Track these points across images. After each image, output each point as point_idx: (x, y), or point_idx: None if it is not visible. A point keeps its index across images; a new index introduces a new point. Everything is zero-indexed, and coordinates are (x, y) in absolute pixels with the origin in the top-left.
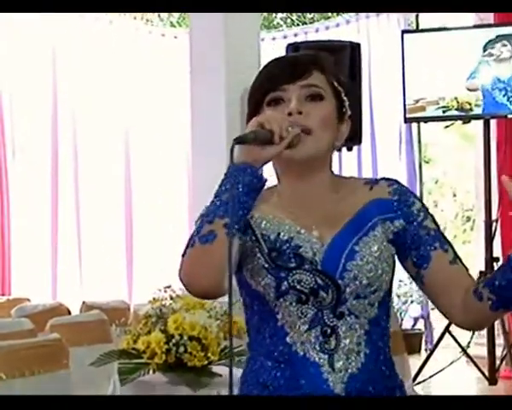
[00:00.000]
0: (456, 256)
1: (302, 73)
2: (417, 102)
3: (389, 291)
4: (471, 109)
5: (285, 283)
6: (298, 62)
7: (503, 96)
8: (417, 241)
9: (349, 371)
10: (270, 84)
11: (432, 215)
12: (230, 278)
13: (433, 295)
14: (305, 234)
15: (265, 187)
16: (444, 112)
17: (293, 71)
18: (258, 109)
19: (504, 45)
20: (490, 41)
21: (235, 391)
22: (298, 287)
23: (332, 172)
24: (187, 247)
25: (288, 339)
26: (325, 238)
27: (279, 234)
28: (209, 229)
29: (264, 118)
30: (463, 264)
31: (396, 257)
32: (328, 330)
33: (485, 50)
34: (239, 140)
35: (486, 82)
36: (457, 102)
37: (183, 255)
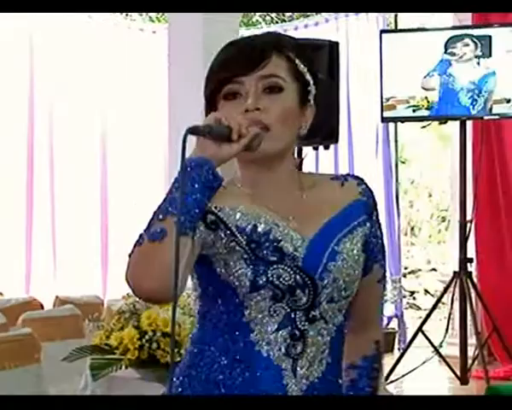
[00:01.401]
0: (384, 276)
1: (259, 61)
2: (388, 100)
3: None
4: (433, 107)
5: (263, 276)
6: (255, 48)
7: (469, 98)
8: (370, 250)
9: (310, 379)
10: (225, 75)
11: (380, 223)
12: (176, 278)
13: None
14: (283, 226)
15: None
16: (414, 111)
17: (249, 58)
18: (215, 102)
19: (466, 45)
20: (450, 39)
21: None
22: (276, 282)
23: (296, 167)
24: (135, 245)
25: (252, 337)
26: (305, 232)
27: (255, 226)
28: (159, 226)
29: (222, 114)
30: (385, 283)
31: None
32: (297, 334)
33: (446, 49)
34: (193, 130)
35: (448, 81)
36: (428, 102)
37: (129, 255)
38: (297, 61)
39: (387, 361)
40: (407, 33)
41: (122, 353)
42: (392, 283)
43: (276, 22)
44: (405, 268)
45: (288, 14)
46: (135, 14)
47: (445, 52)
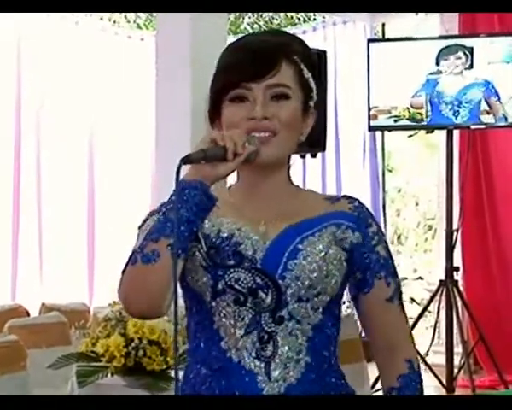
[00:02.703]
0: (395, 296)
1: (269, 69)
2: (370, 110)
3: (337, 297)
4: (422, 120)
5: (222, 281)
6: (265, 54)
7: (449, 109)
8: (365, 263)
9: (287, 380)
10: (234, 79)
11: (386, 243)
12: (176, 298)
13: (362, 325)
14: (247, 231)
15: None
16: (395, 121)
17: (259, 65)
18: (220, 104)
19: (459, 58)
20: (442, 51)
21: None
22: (235, 286)
23: (290, 178)
24: (127, 264)
25: (222, 344)
26: (270, 235)
27: (219, 232)
28: (153, 248)
29: (218, 134)
30: (401, 304)
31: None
32: (266, 336)
33: (438, 62)
34: (186, 160)
35: (433, 94)
36: (409, 113)
37: (123, 271)
38: (302, 67)
39: (373, 370)
40: (395, 42)
41: (108, 360)
42: None
43: (265, 30)
44: None
45: (276, 22)
46: (122, 22)
47: (437, 65)
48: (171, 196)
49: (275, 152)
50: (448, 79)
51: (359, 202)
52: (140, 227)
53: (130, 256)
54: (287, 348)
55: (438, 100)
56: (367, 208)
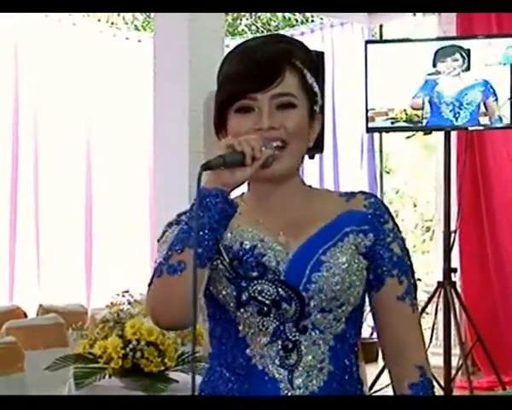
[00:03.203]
0: (408, 295)
1: (274, 79)
2: (368, 111)
3: (360, 306)
4: (419, 122)
5: (245, 293)
6: (269, 63)
7: (450, 111)
8: (378, 261)
9: (309, 388)
10: (238, 90)
11: (402, 240)
12: (195, 308)
13: (375, 324)
14: (270, 241)
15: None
16: (392, 123)
17: (263, 75)
18: (226, 114)
19: (456, 60)
20: (439, 52)
21: None
22: (259, 298)
23: (302, 180)
24: (153, 276)
25: (247, 351)
26: (292, 245)
27: (242, 243)
28: (178, 259)
29: (234, 140)
30: (415, 304)
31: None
32: (290, 345)
33: (434, 64)
34: (206, 166)
35: (433, 95)
36: (406, 115)
37: (149, 285)
38: (305, 72)
39: (372, 371)
40: (392, 44)
41: (106, 362)
42: None
43: (262, 32)
44: None
45: (273, 23)
46: (120, 23)
47: (434, 67)
48: (192, 204)
49: (286, 165)
50: (447, 81)
51: (376, 197)
52: (159, 240)
53: (156, 269)
54: (310, 356)
55: (438, 101)
56: (384, 204)
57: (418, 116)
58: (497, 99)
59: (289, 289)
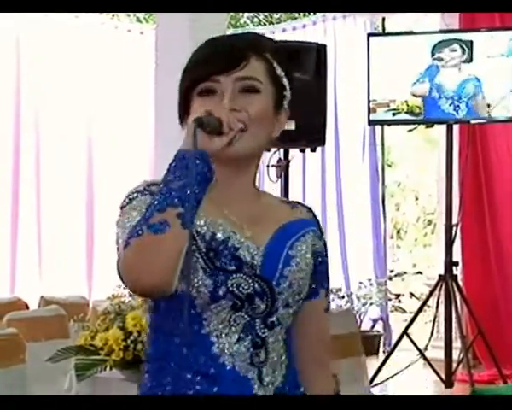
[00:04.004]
0: (329, 307)
1: (238, 63)
2: (370, 103)
3: None
4: (420, 113)
5: (223, 287)
6: (234, 48)
7: (450, 104)
8: (318, 271)
9: (275, 384)
10: (202, 73)
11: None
12: (189, 275)
13: (298, 330)
14: (240, 235)
15: None
16: (394, 115)
17: (228, 59)
18: (189, 98)
19: (454, 50)
20: (438, 44)
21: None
22: (236, 292)
23: (255, 180)
24: (129, 237)
25: (214, 350)
26: (259, 240)
27: (214, 234)
28: (160, 218)
29: (213, 106)
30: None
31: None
32: (259, 342)
33: (433, 54)
34: (200, 122)
35: (433, 86)
36: (407, 106)
37: (124, 247)
38: (275, 65)
39: (372, 364)
40: (394, 37)
41: (107, 353)
42: (378, 285)
43: (264, 24)
44: (391, 271)
45: (275, 16)
46: (122, 15)
47: (432, 57)
48: (172, 164)
49: (248, 146)
50: (446, 72)
51: (313, 211)
52: (123, 207)
53: (132, 230)
54: (275, 353)
55: (439, 94)
56: (317, 219)
57: (419, 108)
58: (484, 97)
59: (264, 284)
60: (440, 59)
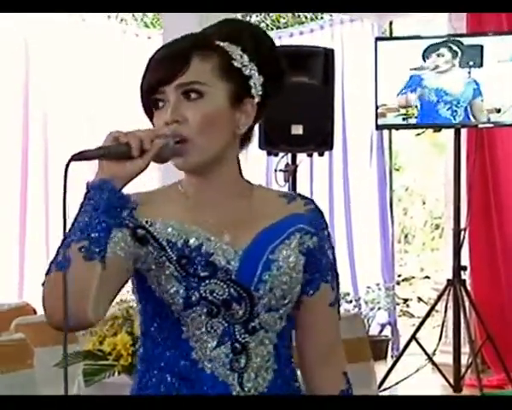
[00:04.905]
0: (336, 302)
1: (178, 68)
2: (378, 108)
3: (296, 302)
4: (414, 116)
5: (196, 293)
6: (173, 54)
7: (447, 109)
8: (316, 266)
9: (258, 390)
10: (148, 86)
11: (333, 247)
12: (66, 310)
13: (298, 329)
14: (215, 240)
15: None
16: (404, 119)
17: (168, 67)
18: (148, 112)
19: (442, 55)
20: (427, 50)
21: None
22: (210, 298)
23: (241, 175)
24: (46, 274)
25: (193, 355)
26: (238, 244)
27: (187, 241)
28: (64, 254)
29: (121, 132)
30: (339, 311)
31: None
32: (239, 347)
33: (424, 59)
34: (78, 156)
35: (429, 93)
36: (418, 111)
37: (42, 284)
38: (234, 55)
39: (381, 369)
40: (402, 41)
41: (115, 359)
42: (386, 290)
43: (272, 29)
44: (399, 276)
45: (283, 21)
46: (130, 20)
47: (424, 60)
48: (82, 200)
49: (190, 160)
50: (448, 76)
51: (314, 203)
52: None
53: (48, 268)
54: (259, 358)
55: (443, 99)
56: (320, 210)
57: (412, 112)
58: (482, 100)
59: (241, 289)
60: (424, 66)
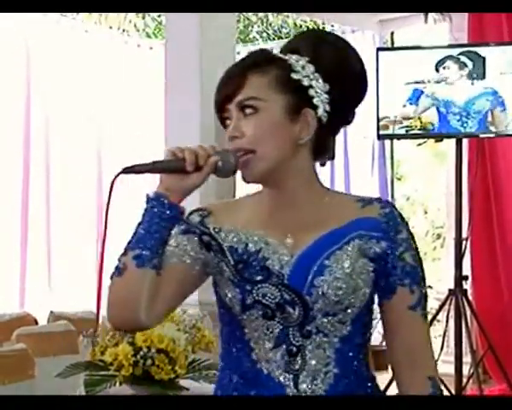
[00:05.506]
0: (419, 305)
1: (236, 87)
2: (381, 119)
3: (366, 307)
4: (433, 130)
5: (250, 296)
6: (234, 72)
7: (458, 120)
8: (390, 270)
9: (315, 392)
10: (216, 107)
11: (416, 251)
12: (98, 308)
13: (385, 334)
14: (274, 244)
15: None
16: (407, 131)
17: (227, 86)
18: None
19: (448, 68)
20: (441, 61)
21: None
22: (263, 301)
23: (319, 181)
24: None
25: (253, 355)
26: (298, 247)
27: (247, 245)
28: (121, 261)
29: (177, 147)
30: (425, 314)
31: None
32: (294, 350)
33: (437, 70)
34: (128, 170)
35: (439, 104)
36: (420, 123)
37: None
38: (293, 67)
39: (383, 378)
40: (404, 51)
41: (116, 369)
42: None
43: (273, 39)
44: None
45: (285, 30)
46: (132, 30)
47: (437, 71)
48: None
49: (255, 170)
50: (453, 87)
51: (392, 206)
52: None
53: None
54: (315, 361)
55: (446, 110)
56: (399, 214)
57: (432, 124)
58: (504, 109)
59: (293, 294)
60: (442, 76)
